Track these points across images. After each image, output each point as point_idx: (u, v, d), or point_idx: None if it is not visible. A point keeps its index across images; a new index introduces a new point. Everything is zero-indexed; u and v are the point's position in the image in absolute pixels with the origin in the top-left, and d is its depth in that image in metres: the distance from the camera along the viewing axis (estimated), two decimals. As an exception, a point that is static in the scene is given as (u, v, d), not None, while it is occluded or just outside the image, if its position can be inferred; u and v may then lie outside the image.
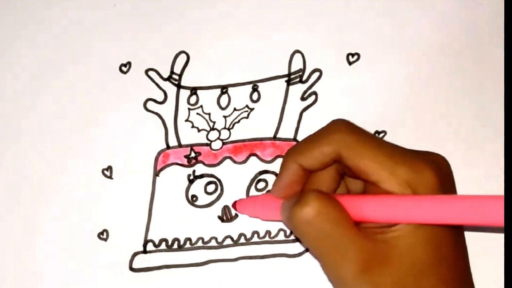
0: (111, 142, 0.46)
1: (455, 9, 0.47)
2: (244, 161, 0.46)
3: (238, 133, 0.46)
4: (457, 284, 0.30)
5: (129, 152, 0.46)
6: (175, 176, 0.46)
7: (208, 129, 0.46)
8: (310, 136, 0.34)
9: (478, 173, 0.45)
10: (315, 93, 0.46)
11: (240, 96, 0.46)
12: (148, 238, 0.45)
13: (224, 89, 0.46)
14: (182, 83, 0.47)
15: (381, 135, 0.46)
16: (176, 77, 0.47)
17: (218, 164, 0.46)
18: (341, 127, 0.30)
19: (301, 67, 0.47)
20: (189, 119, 0.46)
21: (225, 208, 0.45)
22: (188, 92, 0.47)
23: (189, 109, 0.46)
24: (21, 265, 0.45)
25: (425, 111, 0.46)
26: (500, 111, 0.45)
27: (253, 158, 0.46)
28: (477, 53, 0.46)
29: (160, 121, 0.46)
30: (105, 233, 0.45)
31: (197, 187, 0.46)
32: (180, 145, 0.46)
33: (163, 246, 0.45)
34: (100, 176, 0.46)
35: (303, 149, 0.31)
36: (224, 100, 0.46)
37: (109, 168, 0.46)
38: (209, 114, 0.46)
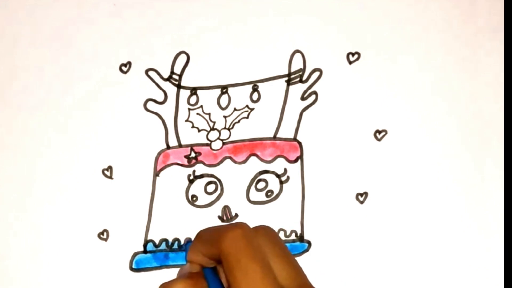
0: (111, 142, 0.46)
1: (455, 8, 0.47)
2: (244, 161, 0.46)
3: (238, 133, 0.46)
4: None
5: (129, 152, 0.46)
6: (175, 176, 0.46)
7: (208, 129, 0.46)
8: (212, 231, 0.33)
9: (478, 173, 0.45)
10: (315, 92, 0.46)
11: (240, 96, 0.46)
12: (148, 238, 0.45)
13: (224, 89, 0.46)
14: (182, 83, 0.47)
15: (381, 134, 0.46)
16: (176, 77, 0.47)
17: (218, 164, 0.46)
18: (236, 236, 0.31)
19: (301, 67, 0.47)
20: (189, 119, 0.46)
21: (225, 208, 0.45)
22: (188, 92, 0.47)
23: (189, 109, 0.46)
24: (21, 264, 0.45)
25: (425, 111, 0.46)
26: (500, 111, 0.45)
27: (253, 158, 0.46)
28: (478, 52, 0.46)
29: (160, 121, 0.46)
30: (105, 233, 0.45)
31: (197, 187, 0.46)
32: (180, 145, 0.46)
33: (163, 246, 0.45)
34: (100, 176, 0.46)
35: (203, 243, 0.32)
36: (224, 100, 0.46)
37: (109, 168, 0.46)
38: (209, 114, 0.46)
